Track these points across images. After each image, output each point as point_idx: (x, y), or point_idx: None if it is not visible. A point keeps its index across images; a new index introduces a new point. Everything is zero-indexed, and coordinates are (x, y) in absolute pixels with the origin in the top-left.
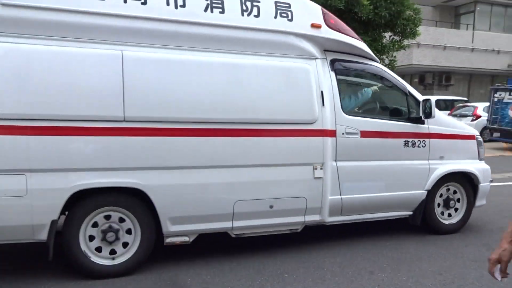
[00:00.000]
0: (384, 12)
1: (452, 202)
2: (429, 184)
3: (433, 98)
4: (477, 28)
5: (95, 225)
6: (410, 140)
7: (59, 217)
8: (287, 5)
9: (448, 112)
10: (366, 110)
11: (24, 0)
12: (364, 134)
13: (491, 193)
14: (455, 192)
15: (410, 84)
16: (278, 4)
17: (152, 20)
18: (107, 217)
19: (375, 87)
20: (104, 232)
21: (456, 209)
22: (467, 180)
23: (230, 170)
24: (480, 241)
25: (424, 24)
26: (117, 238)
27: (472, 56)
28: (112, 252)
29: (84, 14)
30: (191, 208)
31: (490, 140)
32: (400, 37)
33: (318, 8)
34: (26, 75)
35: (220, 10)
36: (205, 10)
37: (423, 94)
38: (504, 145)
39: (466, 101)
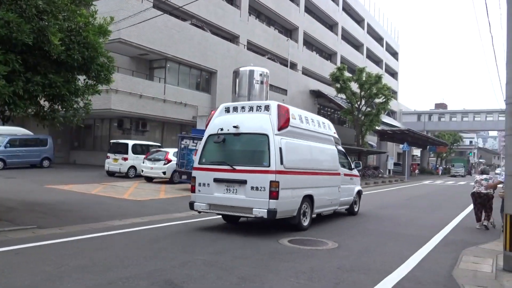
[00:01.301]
0: (77, 55)
1: (356, 201)
2: (354, 195)
3: (130, 143)
4: (168, 82)
5: (303, 208)
6: (349, 176)
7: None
8: (329, 125)
9: (144, 156)
10: (342, 164)
11: (296, 125)
12: (344, 174)
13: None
14: (356, 198)
15: (110, 128)
16: (327, 124)
17: (315, 132)
18: (305, 205)
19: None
20: (305, 211)
21: (357, 204)
22: (358, 192)
23: (325, 188)
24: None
25: (122, 72)
26: (305, 214)
27: (164, 106)
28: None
29: (309, 130)
30: (321, 202)
31: (180, 182)
32: (95, 82)
33: (332, 125)
34: (296, 151)
35: (318, 126)
36: (318, 126)
37: (121, 138)
38: (190, 186)
39: (159, 146)
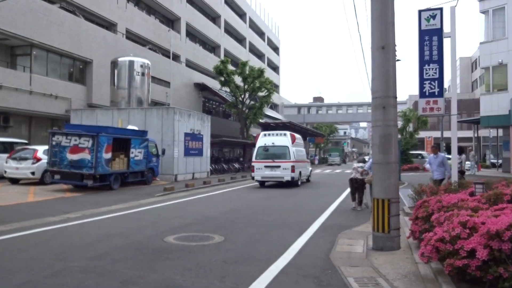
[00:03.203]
0: None
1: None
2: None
3: None
4: (35, 71)
5: (299, 176)
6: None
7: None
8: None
9: (8, 155)
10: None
11: (296, 141)
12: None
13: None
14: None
15: None
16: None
17: (299, 144)
18: (299, 175)
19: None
20: (299, 177)
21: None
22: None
23: (302, 168)
24: None
25: None
26: (299, 179)
27: (31, 98)
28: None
29: (299, 144)
30: (303, 174)
31: (52, 183)
32: None
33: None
34: (297, 153)
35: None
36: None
37: None
38: (64, 186)
39: (26, 144)
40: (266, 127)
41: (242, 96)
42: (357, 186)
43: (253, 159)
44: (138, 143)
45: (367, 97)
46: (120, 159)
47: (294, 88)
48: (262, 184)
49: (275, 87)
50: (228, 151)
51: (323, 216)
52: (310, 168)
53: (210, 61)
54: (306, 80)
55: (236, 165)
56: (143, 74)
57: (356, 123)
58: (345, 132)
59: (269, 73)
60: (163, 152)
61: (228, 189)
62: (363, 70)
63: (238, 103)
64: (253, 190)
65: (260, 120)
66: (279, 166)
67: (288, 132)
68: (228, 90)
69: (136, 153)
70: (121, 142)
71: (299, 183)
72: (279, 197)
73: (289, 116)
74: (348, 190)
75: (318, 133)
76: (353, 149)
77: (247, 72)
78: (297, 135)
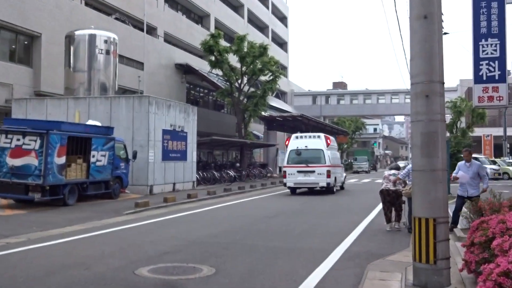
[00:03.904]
0: None
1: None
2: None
3: None
4: None
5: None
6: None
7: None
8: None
9: None
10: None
11: (331, 144)
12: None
13: None
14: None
15: None
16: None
17: (333, 146)
18: (334, 181)
19: None
20: (334, 183)
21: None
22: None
23: (337, 173)
24: None
25: None
26: (335, 185)
27: None
28: None
29: (333, 147)
30: (338, 180)
31: None
32: None
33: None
34: (332, 156)
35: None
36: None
37: None
38: (3, 201)
39: None
40: (270, 122)
41: (239, 81)
42: (391, 200)
43: (284, 163)
44: (101, 143)
45: (405, 83)
46: (77, 165)
47: (307, 70)
48: (294, 191)
49: (283, 69)
50: (220, 154)
51: (346, 241)
52: (345, 174)
53: (197, 34)
54: (323, 61)
55: (232, 173)
56: (108, 52)
57: (390, 117)
58: (375, 129)
59: (274, 51)
60: (135, 155)
61: (220, 205)
62: (399, 47)
63: (233, 90)
64: (252, 205)
65: (263, 113)
66: (313, 171)
67: (322, 134)
68: (220, 73)
69: (99, 157)
70: (79, 143)
71: (334, 190)
72: (286, 215)
73: (301, 107)
74: (380, 205)
75: (339, 130)
76: (386, 152)
77: (245, 50)
78: (331, 137)
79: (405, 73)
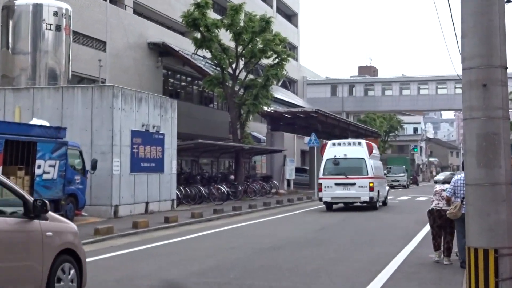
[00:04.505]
0: None
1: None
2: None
3: None
4: None
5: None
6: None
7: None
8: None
9: None
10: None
11: (374, 153)
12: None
13: None
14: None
15: None
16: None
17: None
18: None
19: None
20: (378, 198)
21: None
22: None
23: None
24: None
25: None
26: (378, 200)
27: None
28: None
29: (376, 156)
30: (381, 195)
31: None
32: None
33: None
34: (375, 167)
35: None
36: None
37: None
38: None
39: None
40: (275, 119)
41: (234, 65)
42: (443, 223)
43: (320, 175)
44: (49, 150)
45: (455, 68)
46: (17, 178)
47: (325, 51)
48: (330, 207)
49: (291, 50)
50: (209, 163)
51: (377, 280)
52: (388, 187)
53: (177, 4)
54: (346, 39)
55: (224, 188)
56: (58, 28)
57: (436, 114)
58: (415, 129)
59: (280, 25)
60: (94, 165)
61: (209, 231)
62: (446, 20)
63: (226, 78)
64: (251, 231)
65: (266, 108)
66: (353, 184)
67: (363, 141)
68: (208, 55)
69: (46, 168)
70: (20, 149)
71: (378, 205)
72: (299, 244)
73: (316, 100)
74: (426, 229)
75: (368, 130)
76: (431, 159)
77: (241, 24)
78: (373, 144)
79: (455, 55)
